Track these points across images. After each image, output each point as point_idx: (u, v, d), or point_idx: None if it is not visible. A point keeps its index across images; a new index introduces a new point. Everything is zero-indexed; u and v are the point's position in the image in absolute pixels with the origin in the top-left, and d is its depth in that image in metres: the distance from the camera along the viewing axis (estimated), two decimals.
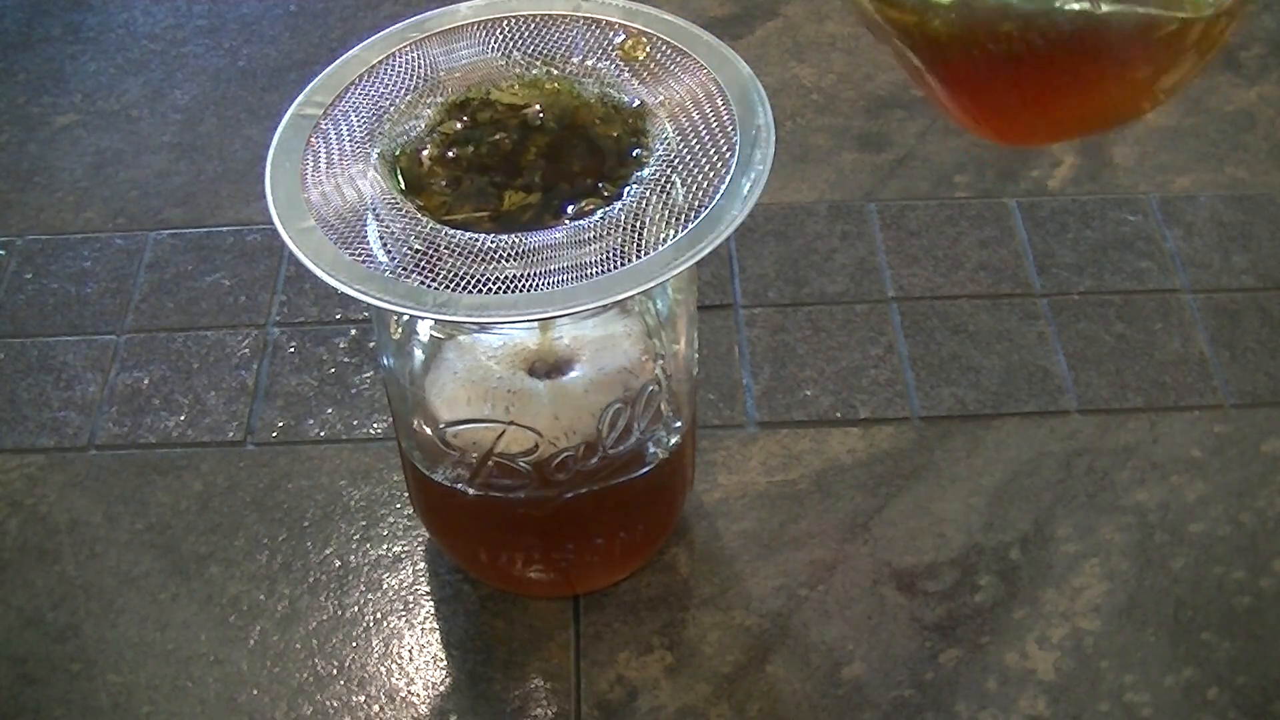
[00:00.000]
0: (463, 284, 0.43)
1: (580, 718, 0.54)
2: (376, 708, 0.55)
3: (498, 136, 0.48)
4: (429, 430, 0.51)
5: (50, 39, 0.89)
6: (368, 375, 0.67)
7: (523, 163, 0.47)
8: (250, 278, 0.73)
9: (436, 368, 0.51)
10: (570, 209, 0.45)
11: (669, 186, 0.45)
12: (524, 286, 0.42)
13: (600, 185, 0.46)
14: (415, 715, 0.55)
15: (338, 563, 0.60)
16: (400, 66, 0.50)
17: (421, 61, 0.50)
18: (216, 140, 0.81)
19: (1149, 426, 0.64)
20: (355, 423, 0.65)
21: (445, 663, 0.56)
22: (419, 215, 0.44)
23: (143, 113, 0.83)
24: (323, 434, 0.65)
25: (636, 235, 0.44)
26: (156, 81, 0.86)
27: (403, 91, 0.49)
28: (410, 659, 0.57)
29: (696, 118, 0.47)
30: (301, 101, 0.48)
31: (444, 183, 0.47)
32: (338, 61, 0.50)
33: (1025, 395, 0.65)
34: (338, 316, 0.70)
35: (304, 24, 0.89)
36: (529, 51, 0.50)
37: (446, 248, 0.43)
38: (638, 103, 0.48)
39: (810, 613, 0.57)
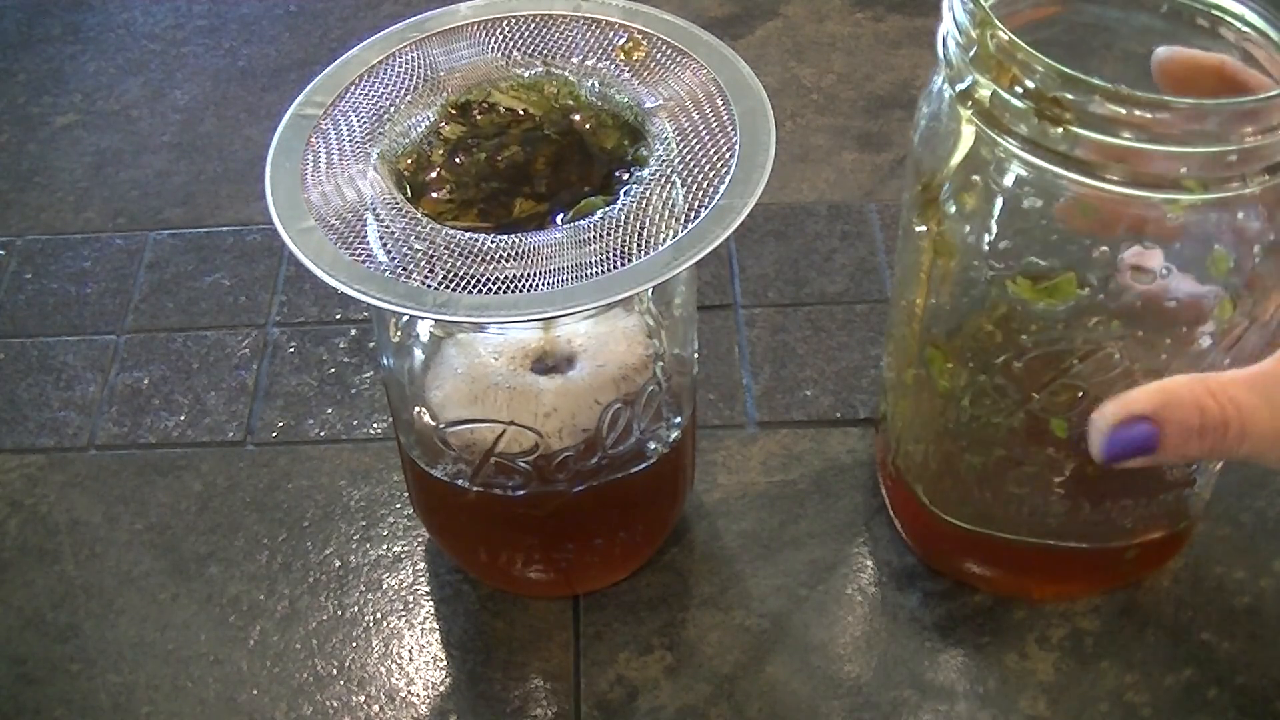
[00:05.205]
0: (463, 284, 0.43)
1: (580, 718, 0.54)
2: (376, 708, 0.55)
3: (512, 150, 0.48)
4: (429, 429, 0.51)
5: (50, 39, 0.89)
6: (368, 375, 0.67)
7: (532, 171, 0.48)
8: (250, 278, 0.73)
9: (437, 366, 0.51)
10: (560, 217, 0.45)
11: (669, 186, 0.45)
12: (524, 286, 0.42)
13: (593, 195, 0.46)
14: (415, 715, 0.55)
15: (338, 563, 0.60)
16: (400, 66, 0.50)
17: (421, 61, 0.50)
18: (216, 140, 0.81)
19: None
20: (355, 423, 0.65)
21: (445, 663, 0.56)
22: (419, 215, 0.44)
23: (143, 113, 0.83)
24: (323, 434, 0.65)
25: (637, 235, 0.44)
26: (156, 81, 0.86)
27: (403, 92, 0.49)
28: (410, 659, 0.57)
29: (696, 118, 0.47)
30: (301, 101, 0.48)
31: (450, 189, 0.47)
32: (338, 61, 0.50)
33: None
34: (338, 316, 0.70)
35: (304, 24, 0.89)
36: (529, 51, 0.50)
37: (446, 248, 0.43)
38: (637, 104, 0.48)
39: (810, 613, 0.57)
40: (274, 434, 0.65)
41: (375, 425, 0.65)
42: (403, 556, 0.60)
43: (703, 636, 0.57)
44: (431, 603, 0.59)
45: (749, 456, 0.63)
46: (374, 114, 0.48)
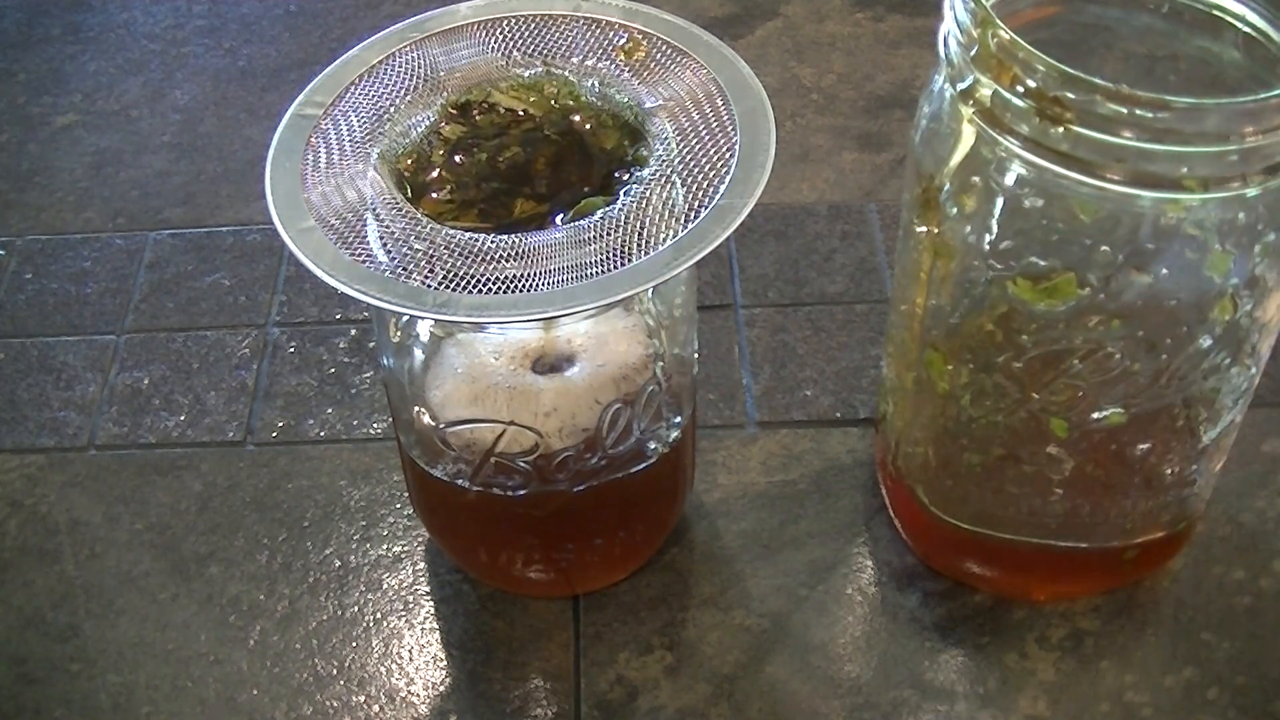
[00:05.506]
0: (463, 284, 0.43)
1: (580, 718, 0.54)
2: (376, 708, 0.55)
3: (512, 150, 0.48)
4: (429, 429, 0.51)
5: (50, 39, 0.89)
6: (368, 375, 0.67)
7: (532, 171, 0.48)
8: (250, 278, 0.73)
9: (437, 366, 0.51)
10: (560, 217, 0.45)
11: (669, 186, 0.45)
12: (524, 286, 0.42)
13: (593, 195, 0.46)
14: (415, 715, 0.55)
15: (338, 563, 0.60)
16: (400, 66, 0.50)
17: (421, 61, 0.50)
18: (216, 140, 0.81)
19: None
20: (355, 423, 0.65)
21: (445, 663, 0.56)
22: (419, 215, 0.44)
23: (143, 113, 0.83)
24: (323, 434, 0.65)
25: (637, 235, 0.44)
26: (156, 81, 0.86)
27: (403, 91, 0.49)
28: (410, 659, 0.57)
29: (696, 118, 0.47)
30: (301, 101, 0.48)
31: (450, 189, 0.47)
32: (338, 61, 0.50)
33: None
34: (338, 316, 0.70)
35: (304, 24, 0.89)
36: (529, 51, 0.50)
37: (446, 248, 0.43)
38: (637, 104, 0.48)
39: (810, 613, 0.57)
40: (274, 434, 0.65)
41: (375, 425, 0.65)
42: (403, 556, 0.60)
43: (703, 636, 0.57)
44: (431, 603, 0.59)
45: (749, 456, 0.63)
46: (374, 114, 0.48)
